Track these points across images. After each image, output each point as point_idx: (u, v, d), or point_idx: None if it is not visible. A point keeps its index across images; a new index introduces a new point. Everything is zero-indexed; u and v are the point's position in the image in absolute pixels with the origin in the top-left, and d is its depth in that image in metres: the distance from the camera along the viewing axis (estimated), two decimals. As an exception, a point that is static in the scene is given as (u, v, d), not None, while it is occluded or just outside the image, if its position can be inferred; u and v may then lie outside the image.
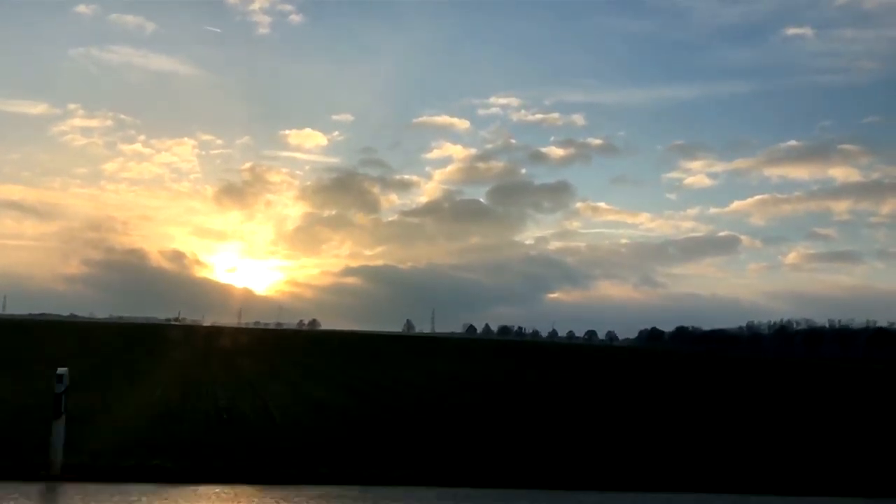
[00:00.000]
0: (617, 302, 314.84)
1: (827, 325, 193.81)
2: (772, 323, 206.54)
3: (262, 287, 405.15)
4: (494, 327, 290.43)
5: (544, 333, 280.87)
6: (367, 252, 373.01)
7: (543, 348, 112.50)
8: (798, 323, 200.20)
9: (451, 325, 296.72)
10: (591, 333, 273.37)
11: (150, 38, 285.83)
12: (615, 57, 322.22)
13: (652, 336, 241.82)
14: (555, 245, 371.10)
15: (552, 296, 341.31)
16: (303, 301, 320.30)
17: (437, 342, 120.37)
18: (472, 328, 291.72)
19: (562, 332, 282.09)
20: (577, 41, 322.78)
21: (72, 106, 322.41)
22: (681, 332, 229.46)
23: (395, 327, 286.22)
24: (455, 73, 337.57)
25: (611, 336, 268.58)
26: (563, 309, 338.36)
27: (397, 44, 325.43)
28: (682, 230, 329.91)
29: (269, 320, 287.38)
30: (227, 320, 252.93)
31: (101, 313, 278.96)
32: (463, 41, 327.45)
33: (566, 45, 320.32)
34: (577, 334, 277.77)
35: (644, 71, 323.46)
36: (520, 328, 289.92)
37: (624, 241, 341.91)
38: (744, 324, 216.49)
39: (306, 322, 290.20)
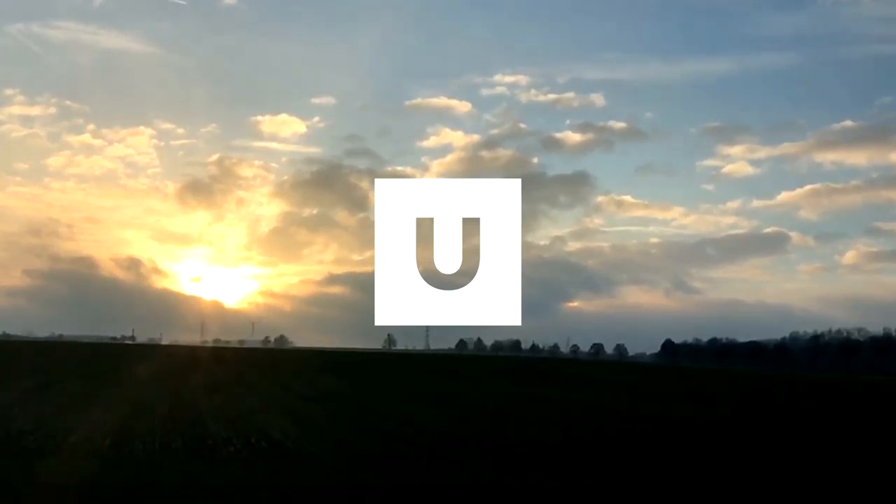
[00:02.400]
0: (646, 311, 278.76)
1: (882, 333, 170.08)
2: (819, 333, 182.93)
3: (233, 299, 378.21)
4: (488, 342, 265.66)
5: (564, 348, 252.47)
6: (355, 257, 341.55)
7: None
8: (849, 332, 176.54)
9: (442, 340, 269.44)
10: (598, 347, 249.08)
11: (100, 11, 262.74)
12: (640, 27, 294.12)
13: (672, 350, 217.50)
14: (573, 246, 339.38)
15: (571, 305, 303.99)
16: (280, 315, 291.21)
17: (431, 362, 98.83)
18: (462, 343, 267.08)
19: (583, 346, 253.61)
20: (596, 9, 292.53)
21: (9, 91, 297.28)
22: (713, 345, 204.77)
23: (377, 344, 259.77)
24: (453, 47, 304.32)
25: (620, 351, 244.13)
26: (582, 320, 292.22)
27: (386, 13, 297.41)
28: (722, 227, 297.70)
29: (236, 337, 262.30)
30: (189, 338, 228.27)
31: (42, 331, 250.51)
32: (462, 9, 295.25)
33: (583, 14, 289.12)
34: (607, 349, 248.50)
35: (673, 43, 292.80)
36: (535, 343, 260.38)
37: (654, 240, 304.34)
38: (787, 334, 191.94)
39: (273, 339, 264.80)
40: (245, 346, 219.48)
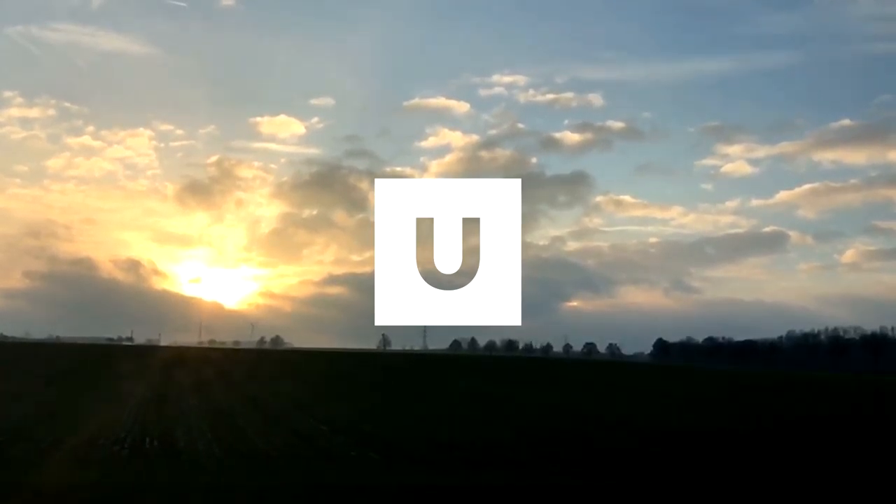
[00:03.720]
0: (645, 311, 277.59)
1: (879, 332, 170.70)
2: (807, 332, 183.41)
3: (233, 300, 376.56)
4: (482, 342, 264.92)
5: (558, 348, 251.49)
6: (354, 257, 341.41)
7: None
8: (845, 331, 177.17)
9: (439, 340, 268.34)
10: (591, 346, 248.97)
11: (98, 13, 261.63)
12: (638, 27, 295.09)
13: (664, 349, 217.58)
14: (572, 246, 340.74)
15: (570, 305, 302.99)
16: (279, 315, 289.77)
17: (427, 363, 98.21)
18: (456, 343, 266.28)
19: (577, 346, 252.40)
20: (594, 9, 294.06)
21: (8, 93, 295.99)
22: (710, 343, 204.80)
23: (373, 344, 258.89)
24: (452, 48, 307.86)
25: (613, 350, 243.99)
26: (581, 320, 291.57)
27: (384, 14, 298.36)
28: (721, 226, 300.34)
29: (237, 338, 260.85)
30: (188, 339, 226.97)
31: (40, 333, 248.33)
32: (460, 10, 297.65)
33: (581, 14, 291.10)
34: (604, 349, 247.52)
35: (672, 42, 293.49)
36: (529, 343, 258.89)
37: (653, 239, 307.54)
38: (784, 333, 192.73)
39: (268, 339, 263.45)
40: (240, 347, 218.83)
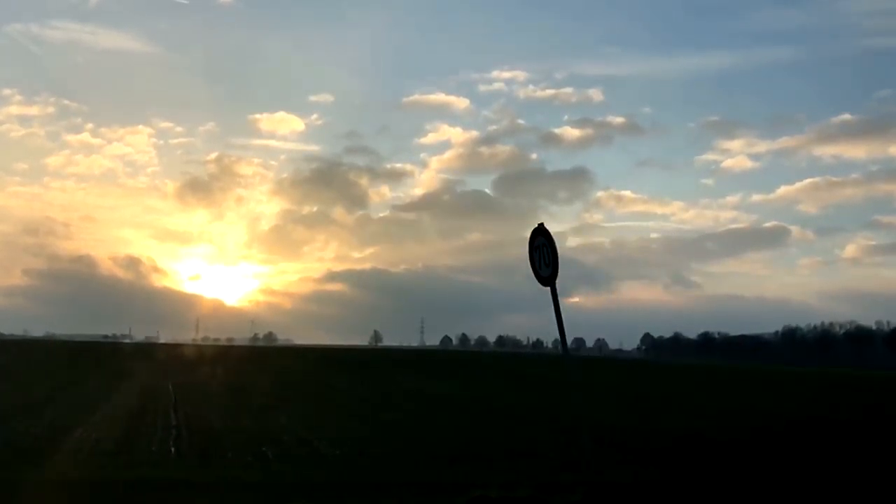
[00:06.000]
0: (645, 306, 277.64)
1: (874, 327, 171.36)
2: (813, 326, 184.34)
3: (233, 297, 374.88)
4: (473, 338, 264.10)
5: (548, 343, 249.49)
6: (355, 254, 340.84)
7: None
8: (841, 326, 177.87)
9: (438, 337, 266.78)
10: (580, 342, 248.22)
11: (98, 10, 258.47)
12: (637, 22, 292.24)
13: (652, 344, 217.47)
14: (573, 242, 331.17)
15: (570, 301, 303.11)
16: (280, 312, 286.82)
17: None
18: (447, 339, 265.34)
19: (588, 342, 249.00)
20: (593, 4, 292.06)
21: (7, 91, 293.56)
22: (704, 338, 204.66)
23: (388, 341, 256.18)
24: (450, 44, 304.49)
25: (600, 345, 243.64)
26: (582, 315, 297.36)
27: (382, 10, 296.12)
28: (721, 221, 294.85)
29: (237, 335, 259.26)
30: (186, 336, 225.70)
31: (39, 331, 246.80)
32: (459, 5, 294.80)
33: (580, 9, 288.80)
34: (609, 344, 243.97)
35: (671, 37, 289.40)
36: (527, 339, 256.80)
37: (653, 235, 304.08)
38: (780, 328, 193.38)
39: (261, 335, 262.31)
40: (233, 343, 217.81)
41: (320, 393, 34.43)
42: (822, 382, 55.52)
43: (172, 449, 16.09)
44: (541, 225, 11.24)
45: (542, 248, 12.53)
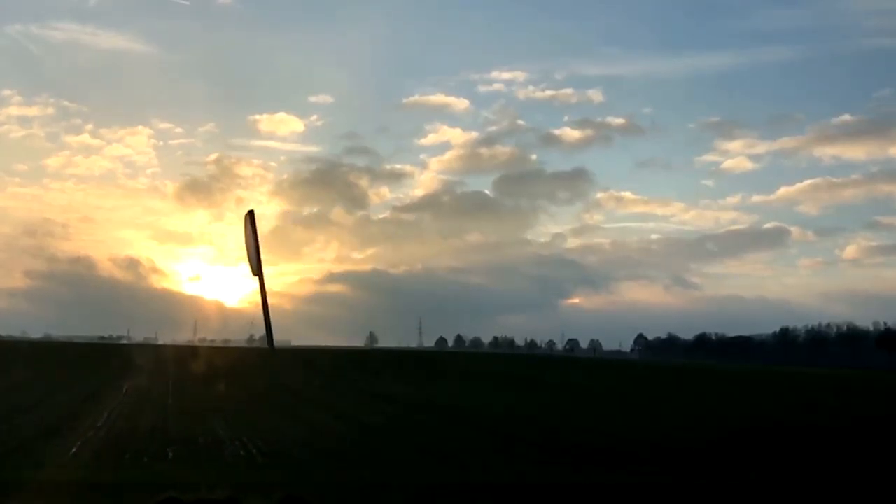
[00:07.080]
0: (646, 307, 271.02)
1: (871, 328, 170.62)
2: (810, 327, 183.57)
3: (233, 298, 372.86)
4: (467, 339, 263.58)
5: (559, 345, 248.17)
6: (355, 255, 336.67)
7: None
8: (837, 327, 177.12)
9: (437, 338, 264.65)
10: (574, 343, 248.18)
11: (98, 11, 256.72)
12: (637, 22, 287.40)
13: (646, 345, 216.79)
14: (573, 243, 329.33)
15: (570, 302, 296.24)
16: (279, 314, 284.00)
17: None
18: (442, 341, 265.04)
19: (582, 344, 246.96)
20: (593, 4, 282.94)
21: (6, 92, 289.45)
22: (700, 339, 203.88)
23: (388, 342, 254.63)
24: (451, 44, 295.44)
25: (594, 346, 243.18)
26: (582, 317, 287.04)
27: (383, 10, 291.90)
28: (721, 222, 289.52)
29: (237, 336, 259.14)
30: (185, 338, 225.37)
31: (37, 332, 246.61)
32: (459, 6, 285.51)
33: (580, 9, 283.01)
34: (604, 346, 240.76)
35: (671, 38, 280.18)
36: (527, 340, 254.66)
37: (654, 236, 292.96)
38: (777, 329, 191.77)
39: (257, 337, 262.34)
40: (229, 345, 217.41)
41: (265, 395, 34.52)
42: (786, 384, 55.54)
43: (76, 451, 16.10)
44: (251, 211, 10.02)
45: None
